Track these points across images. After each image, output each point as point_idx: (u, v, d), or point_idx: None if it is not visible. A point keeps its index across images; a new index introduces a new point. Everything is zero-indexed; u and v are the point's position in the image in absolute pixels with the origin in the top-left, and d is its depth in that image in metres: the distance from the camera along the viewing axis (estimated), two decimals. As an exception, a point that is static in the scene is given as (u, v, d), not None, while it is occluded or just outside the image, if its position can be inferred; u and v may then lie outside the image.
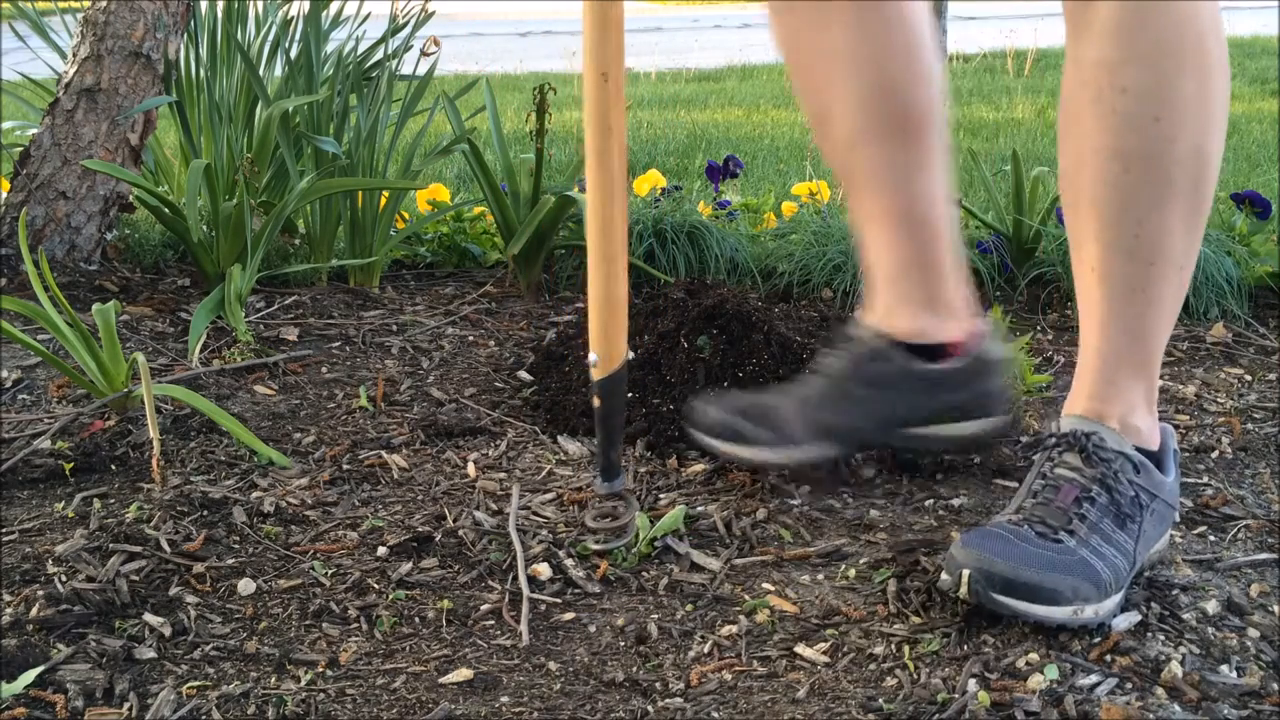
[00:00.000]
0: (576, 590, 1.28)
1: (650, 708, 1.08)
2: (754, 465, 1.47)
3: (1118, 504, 1.22)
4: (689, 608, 1.25)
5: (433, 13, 2.55)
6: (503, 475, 1.53)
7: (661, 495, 1.48)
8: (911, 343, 1.46)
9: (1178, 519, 1.34)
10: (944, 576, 1.19)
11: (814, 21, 1.40)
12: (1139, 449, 1.27)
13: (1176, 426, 1.69)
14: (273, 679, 1.13)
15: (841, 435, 1.46)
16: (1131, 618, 1.18)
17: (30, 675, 1.09)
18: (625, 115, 1.23)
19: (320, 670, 1.14)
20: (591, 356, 1.28)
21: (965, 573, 1.15)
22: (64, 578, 1.26)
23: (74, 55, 2.23)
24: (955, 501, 1.46)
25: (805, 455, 1.43)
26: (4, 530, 1.37)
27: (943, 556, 1.25)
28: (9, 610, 1.20)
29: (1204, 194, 1.23)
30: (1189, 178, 1.21)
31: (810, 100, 1.45)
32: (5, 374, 1.81)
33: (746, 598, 1.26)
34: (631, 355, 1.32)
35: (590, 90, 1.21)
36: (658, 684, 1.12)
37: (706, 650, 1.17)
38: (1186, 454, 1.60)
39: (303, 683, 1.12)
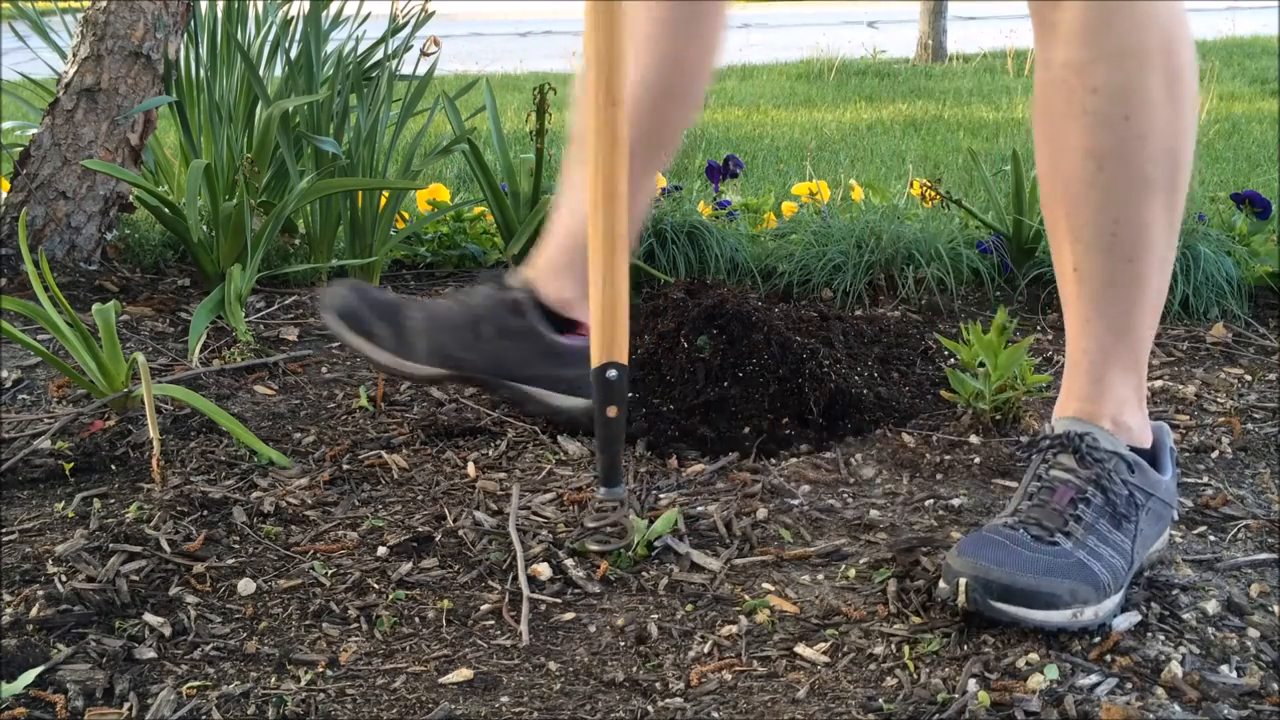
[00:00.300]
0: (576, 590, 1.28)
1: (650, 708, 1.08)
2: (371, 362, 1.52)
3: (1113, 504, 1.23)
4: (689, 608, 1.25)
5: (433, 13, 2.55)
6: (503, 475, 1.53)
7: (661, 495, 1.48)
8: (551, 309, 1.54)
9: (1176, 517, 1.34)
10: (941, 585, 1.19)
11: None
12: (1133, 448, 1.27)
13: (1176, 426, 1.69)
14: (273, 679, 1.13)
15: (456, 365, 1.53)
16: (1131, 618, 1.18)
17: (30, 675, 1.09)
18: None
19: (320, 670, 1.14)
20: (613, 372, 1.26)
21: (963, 581, 1.15)
22: (64, 578, 1.26)
23: (74, 55, 2.23)
24: (955, 501, 1.46)
25: (418, 372, 1.50)
26: (4, 530, 1.37)
27: (942, 557, 1.25)
28: (9, 610, 1.20)
29: (1179, 188, 1.25)
30: (1164, 173, 1.22)
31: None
32: (5, 374, 1.81)
33: (746, 598, 1.26)
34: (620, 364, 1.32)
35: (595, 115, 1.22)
36: (658, 684, 1.12)
37: (706, 650, 1.17)
38: (1186, 454, 1.60)
39: (303, 683, 1.12)
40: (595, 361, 1.26)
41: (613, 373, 1.25)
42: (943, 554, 1.27)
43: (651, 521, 1.36)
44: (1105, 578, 1.17)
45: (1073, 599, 1.15)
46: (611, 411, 1.26)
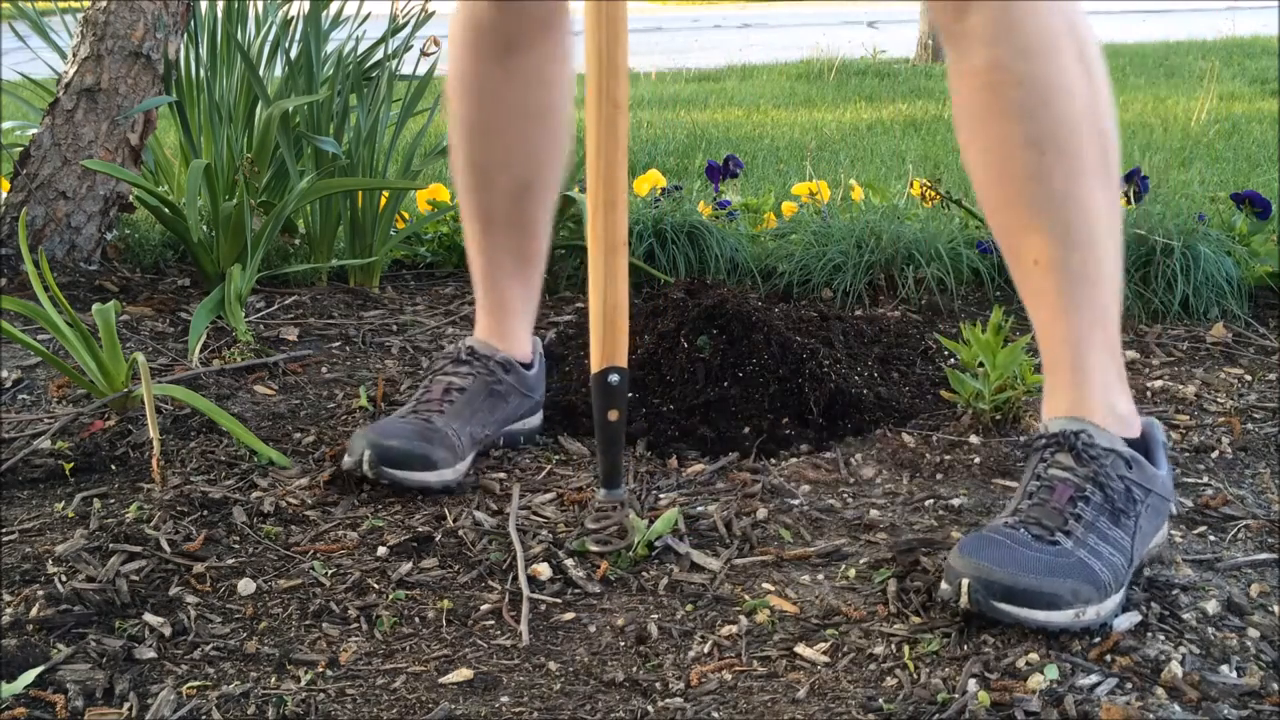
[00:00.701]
0: (576, 590, 1.28)
1: (650, 708, 1.08)
2: (433, 488, 1.48)
3: (1111, 501, 1.23)
4: (689, 608, 1.25)
5: (433, 13, 2.54)
6: (503, 475, 1.53)
7: (661, 495, 1.48)
8: (516, 359, 1.63)
9: (1174, 512, 1.34)
10: (943, 586, 1.18)
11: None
12: (1126, 440, 1.28)
13: (1176, 426, 1.69)
14: (273, 679, 1.13)
15: (479, 441, 1.56)
16: (1131, 618, 1.18)
17: (30, 675, 1.09)
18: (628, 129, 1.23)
19: (320, 670, 1.14)
20: (614, 377, 1.26)
21: (965, 582, 1.15)
22: (64, 578, 1.26)
23: (74, 55, 2.23)
24: (955, 501, 1.46)
25: (466, 467, 1.52)
26: (4, 530, 1.37)
27: (943, 557, 1.25)
28: (9, 610, 1.20)
29: (1113, 166, 1.29)
30: (1097, 152, 1.26)
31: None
32: (5, 374, 1.81)
33: (746, 598, 1.26)
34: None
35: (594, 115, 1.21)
36: (658, 684, 1.12)
37: (706, 650, 1.17)
38: (1186, 454, 1.60)
39: (303, 683, 1.12)
40: (595, 366, 1.26)
41: (614, 377, 1.26)
42: (943, 554, 1.27)
43: (651, 522, 1.36)
44: (1106, 576, 1.17)
45: (1075, 599, 1.15)
46: (612, 415, 1.27)
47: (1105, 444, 1.25)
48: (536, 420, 1.66)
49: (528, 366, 1.64)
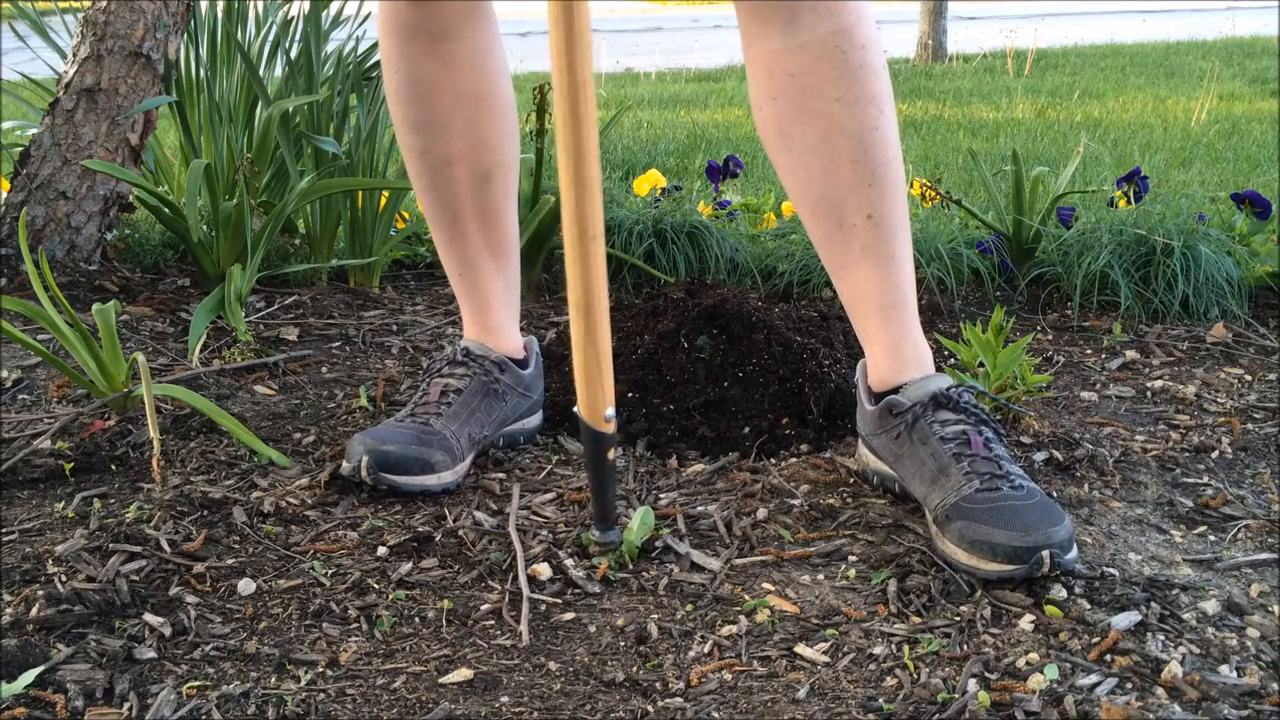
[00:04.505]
0: (576, 590, 1.28)
1: (650, 708, 1.08)
2: (432, 491, 1.47)
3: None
4: (689, 608, 1.25)
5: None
6: (502, 475, 1.53)
7: (661, 495, 1.48)
8: (511, 357, 1.63)
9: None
10: None
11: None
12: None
13: (1176, 426, 1.69)
14: (273, 679, 1.13)
15: (478, 442, 1.56)
16: (1131, 617, 1.18)
17: (30, 675, 1.09)
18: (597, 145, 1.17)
19: (320, 670, 1.14)
20: (609, 411, 1.19)
21: None
22: (64, 578, 1.26)
23: (74, 55, 2.23)
24: (955, 501, 1.46)
25: (466, 468, 1.52)
26: (4, 530, 1.37)
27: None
28: (9, 610, 1.20)
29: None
30: (890, 98, 1.39)
31: None
32: (5, 374, 1.81)
33: (746, 598, 1.26)
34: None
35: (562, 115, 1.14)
36: (658, 684, 1.12)
37: (706, 650, 1.17)
38: (1186, 454, 1.60)
39: (303, 683, 1.12)
40: (584, 411, 1.21)
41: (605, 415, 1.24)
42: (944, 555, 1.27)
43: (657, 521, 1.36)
44: None
45: None
46: (608, 456, 1.25)
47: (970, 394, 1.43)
48: (537, 420, 1.65)
49: (523, 364, 1.64)
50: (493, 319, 1.63)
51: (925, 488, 1.35)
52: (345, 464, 1.47)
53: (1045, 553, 1.21)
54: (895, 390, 1.43)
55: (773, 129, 1.39)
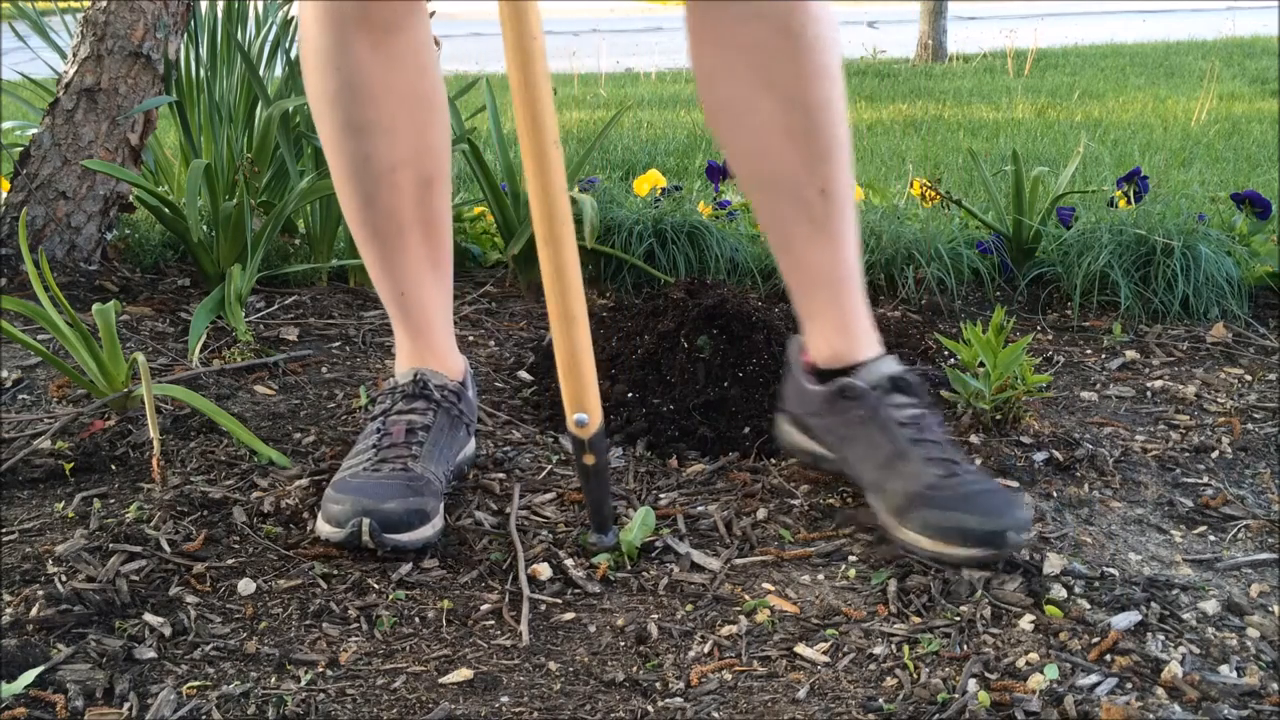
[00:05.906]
0: (576, 590, 1.28)
1: (650, 708, 1.08)
2: (431, 544, 1.37)
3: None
4: (689, 608, 1.25)
5: (433, 13, 2.54)
6: (503, 475, 1.53)
7: (661, 495, 1.48)
8: (457, 381, 1.54)
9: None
10: None
11: None
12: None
13: (1176, 426, 1.69)
14: (273, 679, 1.13)
15: (449, 477, 1.46)
16: (1131, 617, 1.18)
17: (30, 675, 1.09)
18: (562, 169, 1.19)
19: (320, 670, 1.14)
20: (580, 416, 1.25)
21: None
22: (64, 578, 1.26)
23: (74, 55, 2.23)
24: (955, 501, 1.46)
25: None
26: (4, 530, 1.37)
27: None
28: (9, 610, 1.20)
29: None
30: (841, 73, 1.37)
31: None
32: (5, 374, 1.81)
33: (746, 598, 1.26)
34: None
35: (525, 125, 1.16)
36: (658, 684, 1.12)
37: (706, 650, 1.17)
38: (1186, 454, 1.60)
39: (303, 683, 1.12)
40: (570, 414, 1.26)
41: (580, 418, 1.27)
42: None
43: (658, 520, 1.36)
44: None
45: None
46: (587, 460, 1.28)
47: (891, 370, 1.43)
48: (472, 446, 1.55)
49: (464, 386, 1.55)
50: (436, 340, 1.53)
51: (877, 472, 1.36)
52: (330, 528, 1.33)
53: (1011, 533, 1.25)
54: (845, 370, 1.42)
55: (723, 107, 1.37)
